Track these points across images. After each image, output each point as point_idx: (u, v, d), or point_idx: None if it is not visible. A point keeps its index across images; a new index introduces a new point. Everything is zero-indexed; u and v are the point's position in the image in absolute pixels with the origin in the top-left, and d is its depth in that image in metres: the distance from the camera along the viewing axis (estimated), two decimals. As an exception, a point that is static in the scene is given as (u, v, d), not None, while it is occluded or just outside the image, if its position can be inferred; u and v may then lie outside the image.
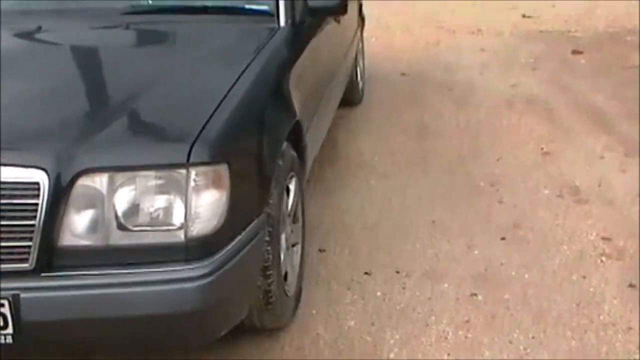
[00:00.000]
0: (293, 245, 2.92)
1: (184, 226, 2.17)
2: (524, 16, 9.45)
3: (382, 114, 5.41)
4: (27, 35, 3.17)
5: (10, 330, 2.11)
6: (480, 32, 8.39)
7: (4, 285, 2.10)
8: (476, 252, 3.42)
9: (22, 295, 2.10)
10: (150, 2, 3.43)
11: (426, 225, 3.68)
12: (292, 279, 2.85)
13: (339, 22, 4.11)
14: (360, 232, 3.61)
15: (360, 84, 5.55)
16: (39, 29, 3.16)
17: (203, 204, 2.18)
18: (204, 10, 3.28)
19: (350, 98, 5.22)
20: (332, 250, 3.43)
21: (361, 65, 5.62)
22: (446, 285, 3.15)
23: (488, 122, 5.22)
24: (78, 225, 2.16)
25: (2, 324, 2.10)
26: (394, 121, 5.24)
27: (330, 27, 3.88)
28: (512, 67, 6.72)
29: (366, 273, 3.24)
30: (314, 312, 2.95)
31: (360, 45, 5.57)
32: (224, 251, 2.24)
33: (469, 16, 9.30)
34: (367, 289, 3.13)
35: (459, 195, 4.02)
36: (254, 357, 2.70)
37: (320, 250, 3.41)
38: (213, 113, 2.34)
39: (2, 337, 2.11)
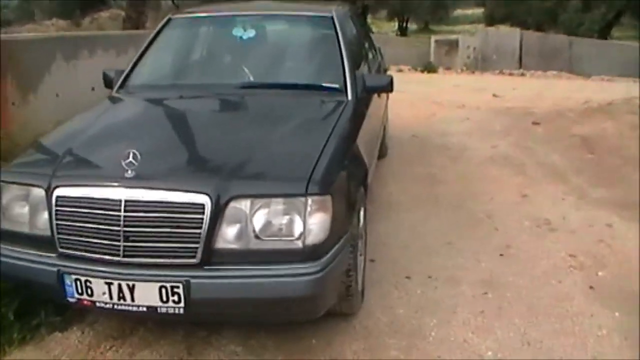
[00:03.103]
0: (360, 255, 2.91)
1: (302, 237, 2.27)
2: (494, 95, 9.71)
3: (401, 165, 5.45)
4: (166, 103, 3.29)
5: (182, 304, 2.26)
6: (464, 107, 8.56)
7: (180, 273, 2.25)
8: (483, 264, 3.49)
9: (192, 280, 2.24)
10: (252, 79, 3.46)
11: (444, 245, 3.72)
12: (359, 279, 2.88)
13: (379, 96, 4.15)
14: (397, 249, 3.66)
15: (387, 142, 5.55)
16: (180, 97, 3.28)
17: (315, 222, 2.28)
18: (294, 86, 3.32)
19: (380, 152, 5.19)
20: (380, 261, 3.47)
21: (387, 128, 5.70)
22: (464, 287, 3.21)
23: (479, 173, 5.29)
24: (228, 234, 2.27)
25: (177, 300, 2.24)
26: (410, 171, 5.28)
27: (374, 100, 3.89)
28: (490, 133, 6.82)
29: (407, 277, 3.30)
30: (373, 303, 3.01)
31: (386, 113, 5.66)
32: (327, 256, 2.31)
33: (455, 95, 9.55)
34: (409, 288, 3.19)
35: (465, 224, 4.07)
36: (336, 333, 2.76)
37: (371, 260, 3.43)
38: (317, 161, 2.42)
39: (177, 309, 2.25)
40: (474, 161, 5.65)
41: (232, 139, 2.66)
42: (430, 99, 8.98)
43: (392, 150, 5.82)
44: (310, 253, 2.26)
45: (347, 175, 2.61)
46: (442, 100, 8.90)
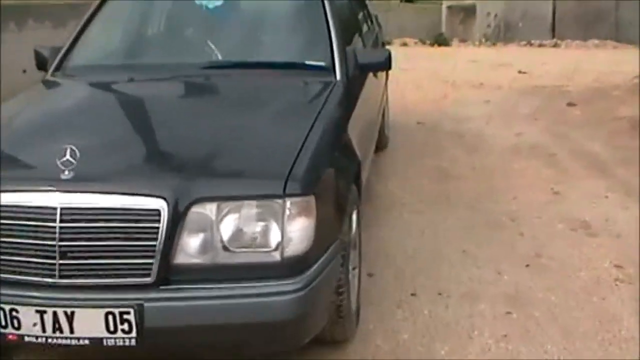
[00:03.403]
0: (353, 268, 2.95)
1: (279, 248, 2.26)
2: (520, 72, 9.74)
3: (405, 158, 5.55)
4: (119, 87, 3.28)
5: (134, 334, 2.23)
6: (482, 86, 8.61)
7: (131, 296, 2.22)
8: (505, 277, 3.51)
9: (146, 305, 2.22)
10: (220, 57, 3.47)
11: (457, 254, 3.75)
12: (353, 297, 2.89)
13: (376, 75, 4.21)
14: (401, 259, 3.69)
15: (386, 131, 5.66)
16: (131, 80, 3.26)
17: (295, 229, 2.27)
18: (270, 65, 3.34)
19: (379, 143, 5.25)
20: (380, 275, 3.50)
21: (387, 114, 5.76)
22: (483, 305, 3.21)
23: (499, 166, 5.37)
24: (190, 246, 2.25)
25: (127, 329, 2.22)
26: (416, 165, 5.36)
27: (370, 80, 3.96)
28: (514, 118, 6.91)
29: (412, 294, 3.32)
30: (371, 327, 3.02)
31: (386, 96, 5.65)
32: (311, 270, 2.32)
33: (470, 72, 9.57)
34: (415, 307, 3.20)
35: (482, 228, 4.11)
36: (326, 366, 2.78)
37: (369, 275, 3.45)
38: (298, 154, 2.43)
39: (128, 340, 2.23)
40: (494, 152, 5.73)
41: (195, 131, 2.67)
42: (441, 78, 9.03)
43: (395, 141, 5.91)
44: (291, 267, 2.27)
45: (335, 172, 2.65)
46: (455, 79, 8.95)
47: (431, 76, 9.07)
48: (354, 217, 2.94)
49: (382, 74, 4.92)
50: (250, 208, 2.27)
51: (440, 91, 8.18)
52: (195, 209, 2.24)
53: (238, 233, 2.27)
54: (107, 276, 2.23)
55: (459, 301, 3.26)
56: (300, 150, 2.48)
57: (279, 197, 2.26)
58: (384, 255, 3.74)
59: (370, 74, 3.99)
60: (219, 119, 2.79)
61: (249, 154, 2.51)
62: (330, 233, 2.49)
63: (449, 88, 8.42)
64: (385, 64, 3.52)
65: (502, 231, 4.07)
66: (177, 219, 2.22)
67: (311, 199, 2.32)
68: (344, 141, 2.95)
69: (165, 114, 2.90)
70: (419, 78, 8.85)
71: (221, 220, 2.25)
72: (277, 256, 2.27)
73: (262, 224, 2.27)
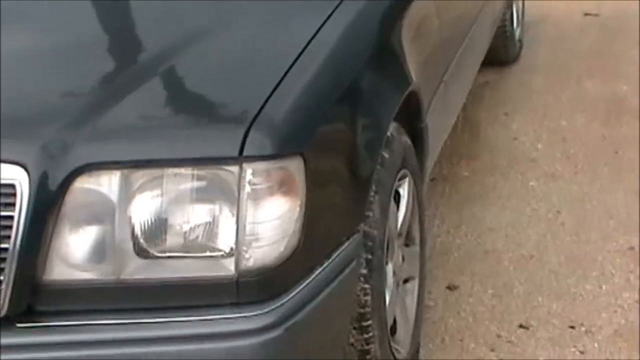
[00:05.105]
0: (406, 281, 2.96)
1: (235, 252, 2.20)
2: None
3: (550, 78, 5.45)
4: None
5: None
6: None
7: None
8: None
9: (-10, 355, 2.20)
10: None
11: (619, 256, 3.71)
12: (404, 333, 2.87)
13: None
14: (511, 263, 3.66)
15: (518, 31, 5.59)
16: None
17: (265, 218, 2.22)
18: None
19: (501, 54, 5.26)
20: (468, 289, 3.49)
21: (519, 3, 5.63)
22: None
23: None
24: (75, 251, 2.21)
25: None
26: (569, 91, 5.28)
27: None
28: None
29: (521, 326, 3.29)
30: None
31: None
32: (296, 291, 2.27)
33: None
34: (524, 350, 3.16)
35: None
36: None
37: (449, 288, 3.47)
38: (281, 80, 2.38)
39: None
40: None
41: (104, 49, 2.73)
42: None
43: (536, 48, 5.82)
44: (255, 287, 2.23)
45: (353, 111, 2.64)
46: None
47: None
48: (404, 191, 2.93)
49: None
50: (182, 181, 2.23)
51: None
52: (82, 184, 2.20)
53: (160, 226, 2.22)
54: None
55: (607, 343, 3.23)
56: (289, 70, 2.44)
57: (233, 160, 2.20)
58: (481, 254, 3.72)
59: None
60: (155, 23, 2.77)
61: (190, 83, 2.51)
62: (337, 224, 2.47)
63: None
64: None
65: None
66: (50, 202, 2.18)
67: (295, 163, 2.27)
68: (385, 53, 2.92)
69: (29, 29, 2.83)
70: None
71: (130, 202, 2.20)
72: (230, 267, 2.22)
73: (203, 209, 2.23)
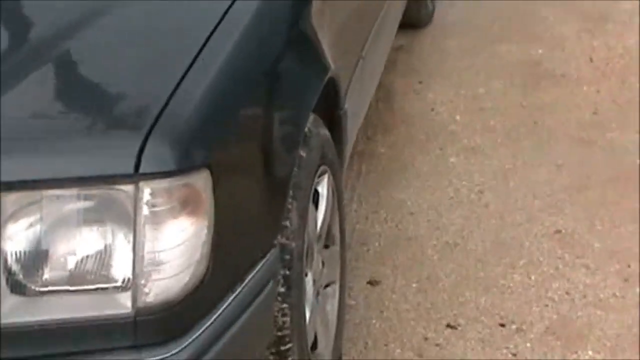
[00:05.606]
0: (326, 286, 2.88)
1: (131, 286, 2.06)
2: None
3: (464, 41, 5.39)
4: None
5: None
6: None
7: None
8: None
9: None
10: None
11: (546, 240, 3.68)
12: (325, 344, 2.81)
13: None
14: (435, 251, 3.61)
15: None
16: None
17: (166, 245, 2.08)
18: None
19: (413, 15, 5.12)
20: (391, 284, 3.41)
21: None
22: (590, 352, 3.13)
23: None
24: None
25: None
26: (486, 55, 5.22)
27: None
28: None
29: (449, 326, 3.24)
30: None
31: None
32: (204, 327, 2.16)
33: None
34: (453, 354, 3.13)
35: (600, 182, 4.02)
36: None
37: (370, 284, 3.40)
38: (182, 79, 2.22)
39: None
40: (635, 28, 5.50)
41: None
42: None
43: (451, 8, 5.77)
44: (156, 325, 2.09)
45: (267, 108, 2.53)
46: None
47: None
48: (323, 189, 2.83)
49: None
50: (65, 204, 2.06)
51: None
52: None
53: (40, 256, 2.06)
54: None
55: (540, 342, 3.18)
56: (191, 66, 2.27)
57: (127, 178, 2.04)
58: (403, 242, 3.63)
59: None
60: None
61: (75, 84, 2.31)
62: (250, 242, 2.36)
63: None
64: None
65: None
66: None
67: (201, 178, 2.11)
68: (299, 38, 2.83)
69: None
70: None
71: (2, 231, 2.04)
72: (126, 303, 2.07)
73: (92, 234, 2.07)
